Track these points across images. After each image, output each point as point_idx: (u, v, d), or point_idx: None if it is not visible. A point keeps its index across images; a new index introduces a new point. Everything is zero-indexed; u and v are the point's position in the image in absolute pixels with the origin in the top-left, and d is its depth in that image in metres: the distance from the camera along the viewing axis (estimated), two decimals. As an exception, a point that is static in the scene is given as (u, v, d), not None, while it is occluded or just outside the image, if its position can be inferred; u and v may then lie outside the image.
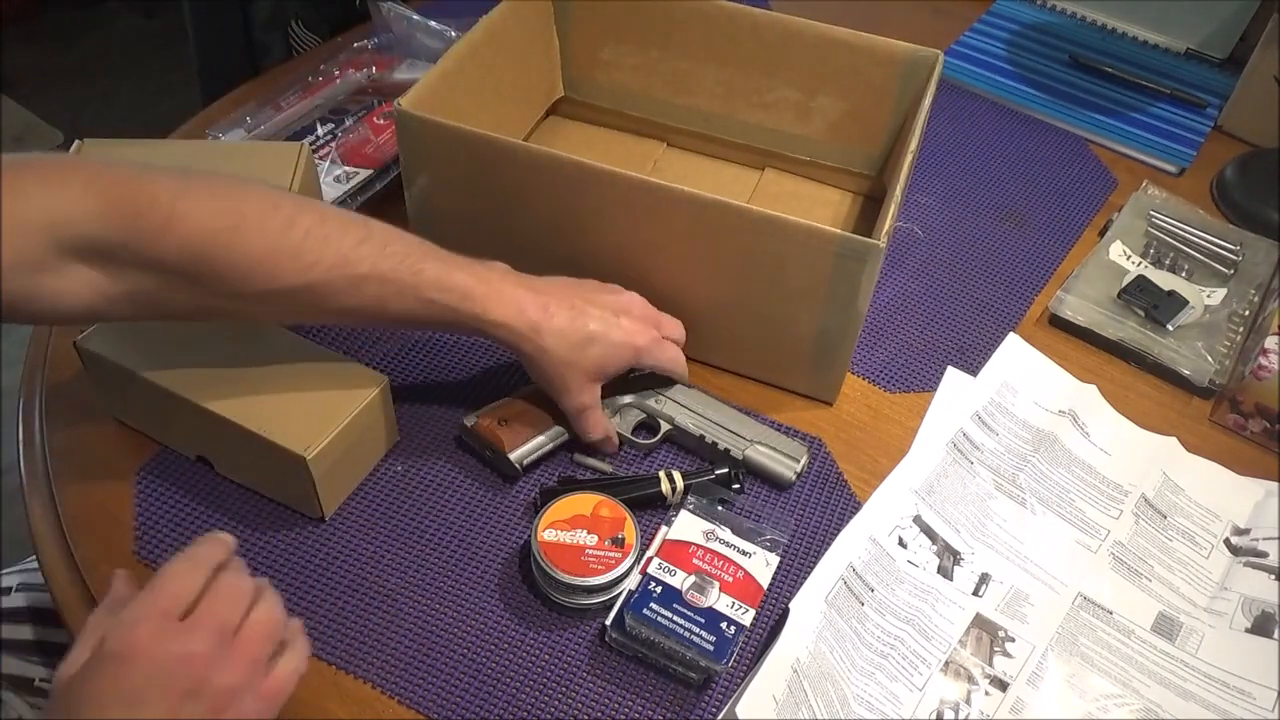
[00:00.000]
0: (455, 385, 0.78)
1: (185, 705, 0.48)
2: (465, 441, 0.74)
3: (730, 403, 0.75)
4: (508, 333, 0.66)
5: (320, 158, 0.90)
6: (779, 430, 0.74)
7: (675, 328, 0.74)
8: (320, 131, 0.94)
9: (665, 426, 0.74)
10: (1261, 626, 0.67)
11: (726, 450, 0.72)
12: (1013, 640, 0.66)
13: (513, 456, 0.70)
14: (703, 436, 0.73)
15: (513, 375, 0.79)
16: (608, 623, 0.63)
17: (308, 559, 0.67)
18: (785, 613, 0.64)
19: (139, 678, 0.47)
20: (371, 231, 0.63)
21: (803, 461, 0.73)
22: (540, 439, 0.71)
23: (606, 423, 0.71)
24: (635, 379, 0.74)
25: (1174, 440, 0.79)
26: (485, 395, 0.77)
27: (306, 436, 0.64)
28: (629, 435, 0.74)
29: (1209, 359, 0.82)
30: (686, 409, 0.74)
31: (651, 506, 0.70)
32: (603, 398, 0.71)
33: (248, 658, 0.50)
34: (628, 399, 0.74)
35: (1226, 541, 0.73)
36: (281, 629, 0.53)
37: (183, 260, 0.57)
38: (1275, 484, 0.76)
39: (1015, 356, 0.84)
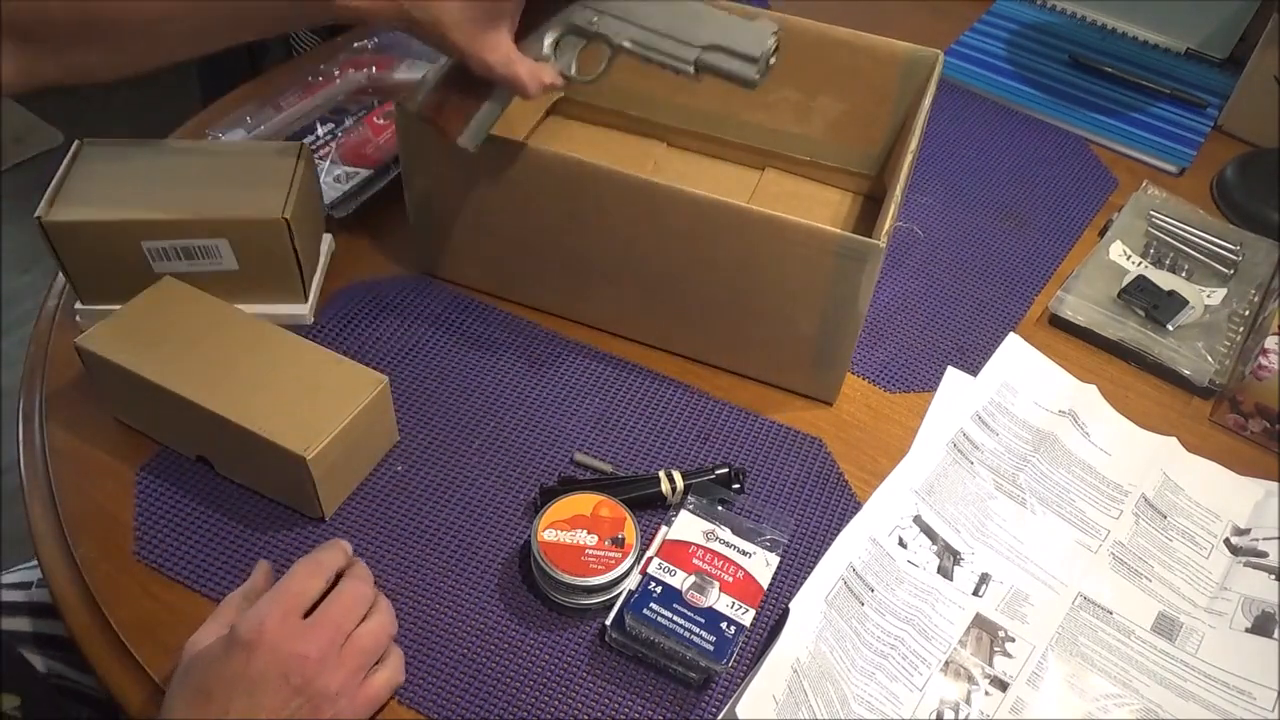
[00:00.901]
0: (455, 385, 0.78)
1: (292, 701, 0.52)
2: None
3: None
4: (360, 13, 0.60)
5: (320, 158, 0.90)
6: (739, 27, 0.64)
7: None
8: (320, 131, 0.94)
9: (608, 51, 0.65)
10: (1261, 626, 0.67)
11: (675, 69, 0.64)
12: (1013, 640, 0.66)
13: (460, 142, 0.66)
14: (645, 57, 0.65)
15: (514, 376, 0.79)
16: (608, 623, 0.63)
17: (308, 559, 0.67)
18: (785, 613, 0.64)
19: (260, 667, 0.52)
20: None
21: (766, 47, 0.63)
22: (485, 107, 0.65)
23: (540, 68, 0.64)
24: None
25: (1174, 440, 0.79)
26: (486, 395, 0.77)
27: (307, 437, 0.64)
28: (573, 74, 0.66)
29: (1209, 359, 0.82)
30: (626, 21, 0.65)
31: (651, 506, 0.70)
32: (524, 37, 0.64)
33: (352, 665, 0.55)
34: (554, 31, 0.65)
35: (1226, 541, 0.73)
36: (387, 641, 0.58)
37: None
38: (1275, 484, 0.76)
39: (1015, 356, 0.84)
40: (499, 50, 0.61)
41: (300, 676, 0.53)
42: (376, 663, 0.57)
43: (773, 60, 0.63)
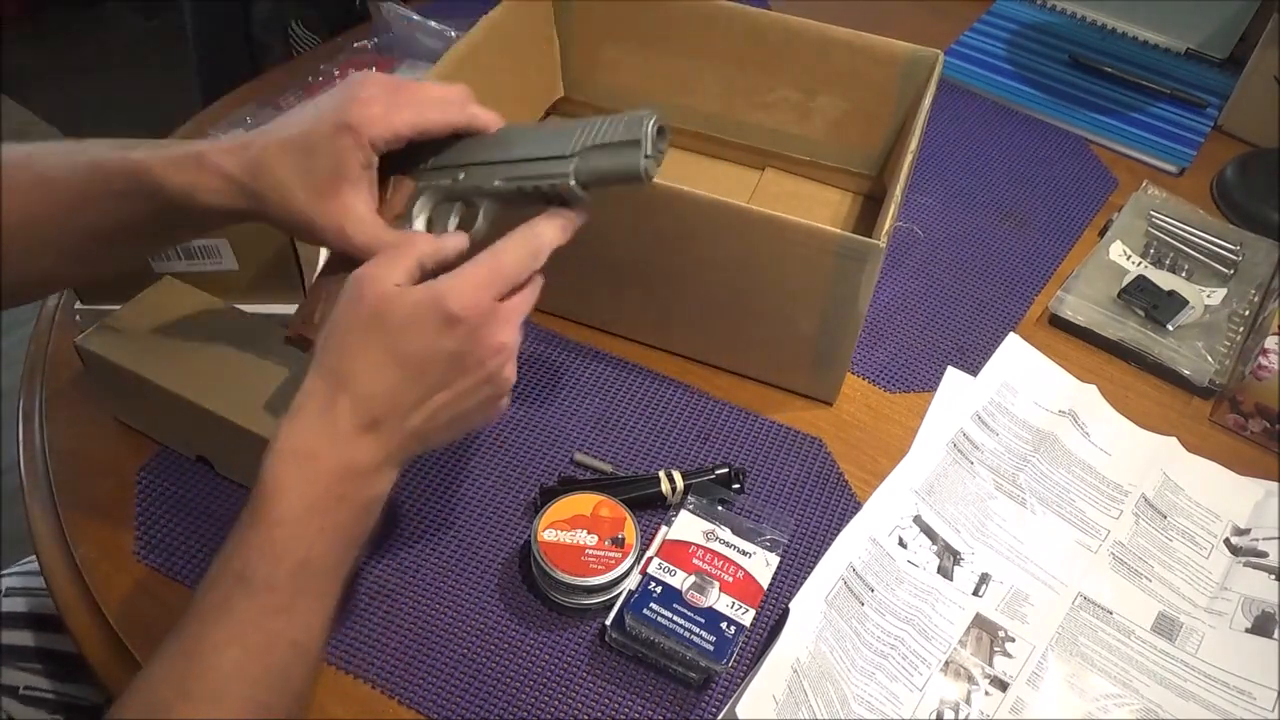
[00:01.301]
0: (455, 385, 0.78)
1: (484, 388, 0.54)
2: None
3: (540, 130, 0.59)
4: (203, 195, 0.55)
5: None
6: (613, 120, 0.56)
7: (427, 88, 0.59)
8: (320, 131, 0.94)
9: (485, 203, 0.59)
10: (1261, 626, 0.67)
11: (554, 187, 0.56)
12: (1013, 640, 0.66)
13: None
14: (520, 189, 0.57)
15: (516, 374, 0.79)
16: (608, 623, 0.63)
17: (308, 559, 0.67)
18: (785, 613, 0.64)
19: (473, 351, 0.52)
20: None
21: (646, 129, 0.55)
22: None
23: (421, 242, 0.55)
24: (429, 164, 0.59)
25: (1174, 440, 0.79)
26: (485, 395, 0.77)
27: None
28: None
29: (1209, 359, 0.82)
30: (490, 164, 0.58)
31: (651, 506, 0.70)
32: (403, 210, 0.59)
33: (517, 339, 0.54)
34: (424, 207, 0.59)
35: (1226, 541, 0.73)
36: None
37: None
38: (1275, 484, 0.76)
39: (1015, 356, 0.84)
40: (354, 214, 0.55)
41: (496, 364, 0.53)
42: None
43: (662, 147, 0.56)
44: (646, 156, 0.55)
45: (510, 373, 0.54)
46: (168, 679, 0.47)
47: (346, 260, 0.56)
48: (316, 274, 0.59)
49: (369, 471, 0.51)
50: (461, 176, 0.58)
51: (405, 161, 0.59)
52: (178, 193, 0.55)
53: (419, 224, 0.59)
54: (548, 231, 0.55)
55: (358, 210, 0.55)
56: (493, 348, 0.52)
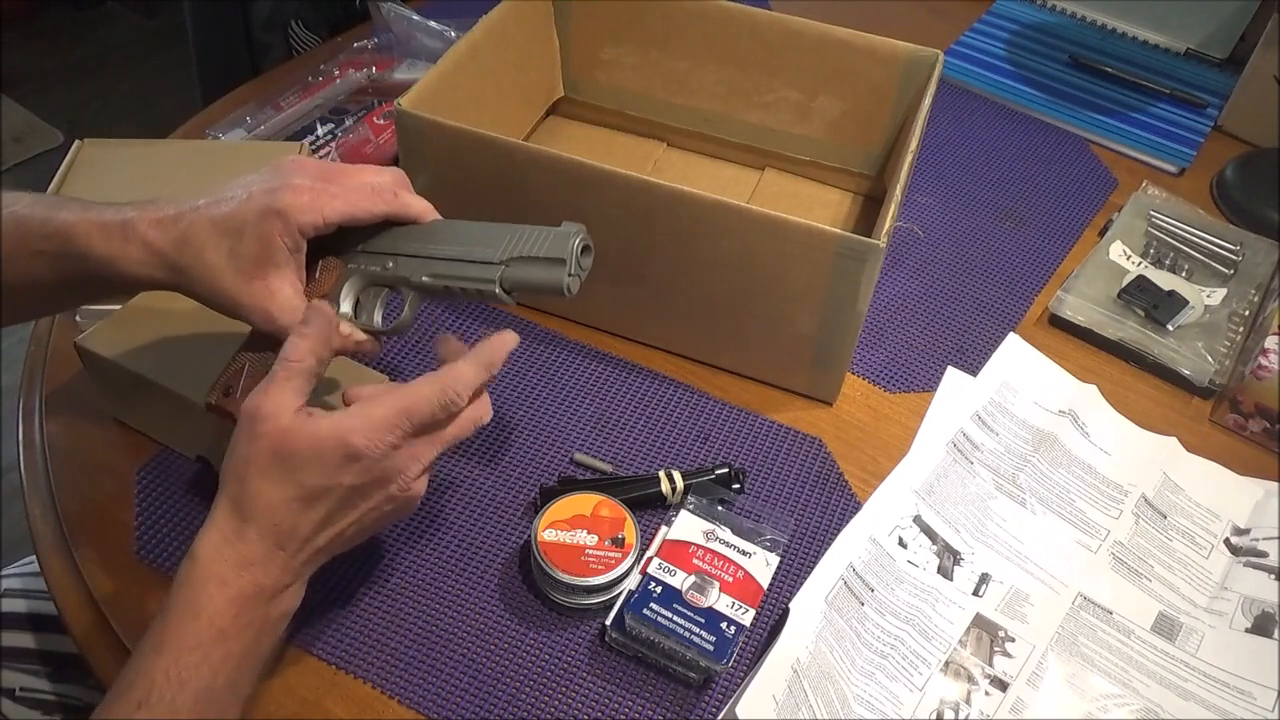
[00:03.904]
0: (455, 385, 0.78)
1: (386, 506, 0.54)
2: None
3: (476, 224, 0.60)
4: (129, 271, 0.55)
5: (320, 157, 0.90)
6: (541, 234, 0.58)
7: (361, 174, 0.59)
8: (320, 131, 0.94)
9: (410, 294, 0.60)
10: (1261, 626, 0.67)
11: (480, 291, 0.58)
12: (1013, 640, 0.66)
13: None
14: (446, 288, 0.59)
15: (514, 376, 0.79)
16: (608, 623, 0.63)
17: (308, 559, 0.67)
18: (785, 613, 0.64)
19: (370, 481, 0.52)
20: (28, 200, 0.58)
21: (571, 247, 0.57)
22: None
23: (335, 326, 0.56)
24: (360, 248, 0.60)
25: (1174, 440, 0.79)
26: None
27: (306, 436, 0.64)
28: (380, 327, 0.61)
29: (1209, 359, 0.82)
30: (419, 258, 0.59)
31: (651, 506, 0.70)
32: (329, 291, 0.59)
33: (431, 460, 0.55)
34: (351, 291, 0.60)
35: (1226, 541, 0.73)
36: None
37: None
38: (1275, 484, 0.76)
39: (1015, 356, 0.84)
40: (279, 297, 0.56)
41: (400, 489, 0.54)
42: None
43: (586, 264, 0.59)
44: (570, 275, 0.57)
45: (419, 488, 0.55)
46: None
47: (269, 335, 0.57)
48: (240, 347, 0.60)
49: (277, 591, 0.52)
50: (390, 265, 0.59)
51: (336, 241, 0.59)
52: (100, 260, 0.55)
53: (345, 306, 0.60)
54: (465, 375, 0.55)
55: (284, 293, 0.56)
56: (396, 480, 0.53)
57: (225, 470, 0.52)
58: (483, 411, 0.57)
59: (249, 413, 0.51)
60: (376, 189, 0.58)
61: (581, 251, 0.58)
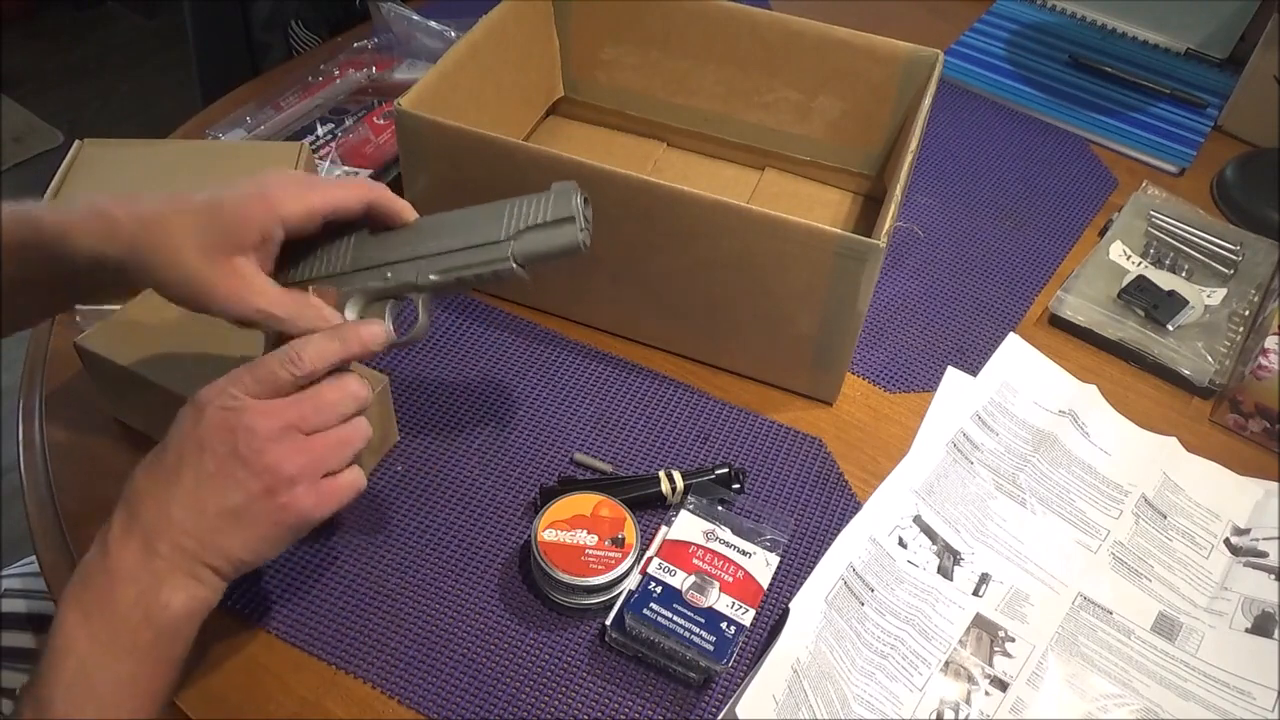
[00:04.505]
0: (455, 385, 0.78)
1: (239, 472, 0.50)
2: None
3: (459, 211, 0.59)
4: (104, 250, 0.53)
5: (320, 158, 0.90)
6: (538, 200, 0.58)
7: (336, 181, 0.59)
8: (320, 131, 0.94)
9: (421, 297, 0.59)
10: (1261, 626, 0.67)
11: (495, 273, 0.57)
12: (1013, 640, 0.66)
13: None
14: (459, 279, 0.58)
15: (514, 376, 0.79)
16: (608, 623, 0.63)
17: (308, 558, 0.67)
18: (785, 613, 0.64)
19: (207, 430, 0.51)
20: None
21: (575, 204, 0.57)
22: None
23: (320, 306, 0.57)
24: (348, 267, 0.59)
25: (1174, 440, 0.79)
26: (486, 395, 0.77)
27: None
28: (393, 337, 0.59)
29: (1209, 359, 0.82)
30: (419, 259, 0.58)
31: (651, 506, 0.71)
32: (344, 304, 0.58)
33: (312, 455, 0.52)
34: (353, 304, 0.59)
35: (1226, 541, 0.73)
36: (355, 452, 0.54)
37: None
38: (1275, 484, 0.76)
39: (1015, 356, 0.84)
40: (253, 283, 0.54)
41: (247, 448, 0.50)
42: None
43: (589, 214, 0.58)
44: (581, 230, 0.57)
45: (279, 462, 0.51)
46: None
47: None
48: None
49: (156, 590, 0.49)
50: (390, 275, 0.58)
51: (317, 269, 0.58)
52: (52, 234, 0.53)
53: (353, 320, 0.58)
54: (313, 340, 0.54)
55: (259, 279, 0.55)
56: (242, 428, 0.50)
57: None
58: (345, 393, 0.53)
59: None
60: (354, 183, 0.58)
61: (583, 203, 0.57)
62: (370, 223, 0.59)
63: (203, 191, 0.55)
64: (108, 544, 0.50)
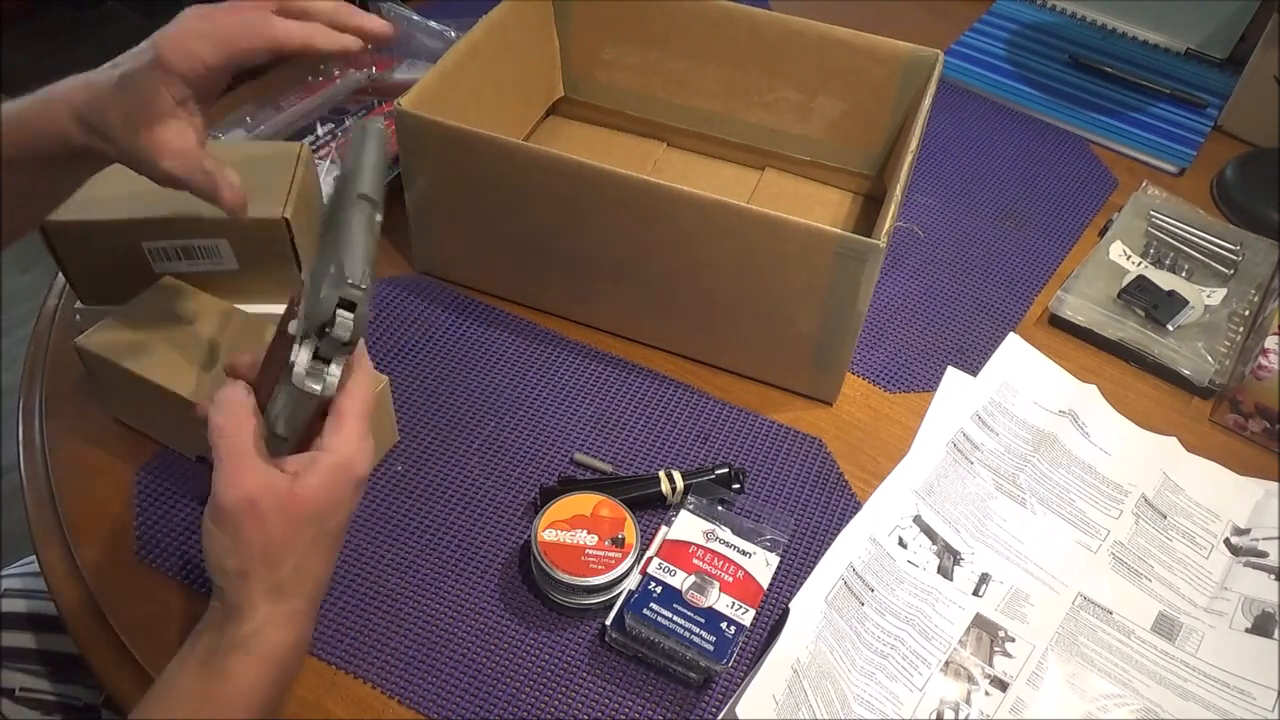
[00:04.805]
0: (455, 385, 0.78)
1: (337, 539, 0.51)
2: None
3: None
4: (52, 123, 0.56)
5: (320, 158, 0.90)
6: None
7: (239, 9, 0.57)
8: (320, 131, 0.94)
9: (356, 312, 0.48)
10: (1261, 626, 0.67)
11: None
12: (1013, 640, 0.66)
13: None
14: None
15: (514, 376, 0.79)
16: (608, 623, 0.63)
17: (308, 559, 0.67)
18: (785, 613, 0.64)
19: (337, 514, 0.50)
20: None
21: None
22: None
23: (203, 160, 0.58)
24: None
25: (1174, 440, 0.79)
26: (486, 395, 0.77)
27: (307, 436, 0.64)
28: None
29: (1209, 359, 0.82)
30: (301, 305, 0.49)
31: (651, 506, 0.70)
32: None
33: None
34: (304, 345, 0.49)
35: (1226, 541, 0.73)
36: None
37: None
38: (1275, 484, 0.76)
39: (1015, 356, 0.84)
40: (166, 147, 0.56)
41: (335, 524, 0.51)
42: None
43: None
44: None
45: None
46: None
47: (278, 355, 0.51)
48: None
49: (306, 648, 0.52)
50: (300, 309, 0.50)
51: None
52: (47, 134, 0.56)
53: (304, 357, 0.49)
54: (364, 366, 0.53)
55: (171, 144, 0.56)
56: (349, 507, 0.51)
57: (234, 562, 0.48)
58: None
59: (236, 504, 0.47)
60: (247, 24, 0.57)
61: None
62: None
63: (120, 65, 0.56)
64: (280, 616, 0.49)
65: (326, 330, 0.47)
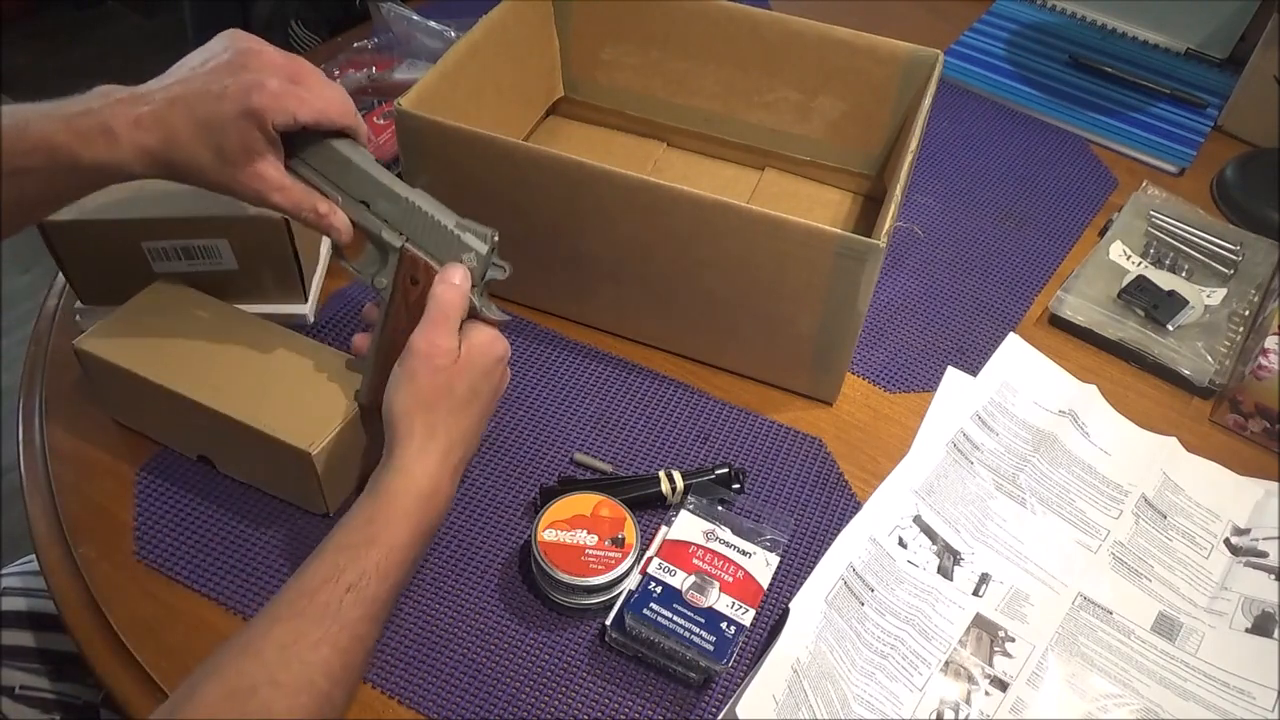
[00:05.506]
0: (455, 385, 0.78)
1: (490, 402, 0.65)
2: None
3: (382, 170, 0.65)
4: (123, 172, 0.60)
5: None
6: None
7: (322, 82, 0.63)
8: (320, 131, 0.94)
9: (397, 240, 0.64)
10: (1261, 626, 0.67)
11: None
12: (1013, 640, 0.66)
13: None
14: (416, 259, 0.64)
15: (514, 375, 0.79)
16: (608, 623, 0.63)
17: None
18: (785, 613, 0.64)
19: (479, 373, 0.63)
20: None
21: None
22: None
23: (311, 194, 0.63)
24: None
25: (1174, 440, 0.79)
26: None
27: (310, 433, 0.64)
28: (375, 282, 0.65)
29: (1209, 359, 0.82)
30: (391, 225, 0.65)
31: (651, 506, 0.71)
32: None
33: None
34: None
35: (1226, 541, 0.73)
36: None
37: None
38: (1275, 484, 0.76)
39: (1015, 356, 0.84)
40: (268, 180, 0.61)
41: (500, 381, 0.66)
42: None
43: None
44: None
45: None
46: (260, 666, 0.51)
47: (400, 324, 0.64)
48: (375, 348, 0.66)
49: (450, 499, 0.61)
50: (366, 219, 0.65)
51: (311, 162, 0.64)
52: (91, 167, 0.58)
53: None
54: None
55: (270, 175, 0.61)
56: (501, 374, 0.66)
57: (405, 400, 0.60)
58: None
59: (424, 351, 0.60)
60: (346, 103, 0.64)
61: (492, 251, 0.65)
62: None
63: (201, 92, 0.59)
64: (429, 452, 0.59)
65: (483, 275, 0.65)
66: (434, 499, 0.59)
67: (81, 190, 0.62)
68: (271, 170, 0.61)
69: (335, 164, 0.64)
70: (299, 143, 0.63)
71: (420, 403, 0.60)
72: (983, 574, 0.70)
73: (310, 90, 0.61)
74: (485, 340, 0.63)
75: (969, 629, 0.67)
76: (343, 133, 0.64)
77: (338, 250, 0.66)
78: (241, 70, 0.60)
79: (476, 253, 0.64)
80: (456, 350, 0.61)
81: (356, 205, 0.64)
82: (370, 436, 0.69)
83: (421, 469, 0.59)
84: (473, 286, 0.64)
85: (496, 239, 0.65)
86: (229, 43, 0.62)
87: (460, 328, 0.62)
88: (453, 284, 0.62)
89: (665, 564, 0.64)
